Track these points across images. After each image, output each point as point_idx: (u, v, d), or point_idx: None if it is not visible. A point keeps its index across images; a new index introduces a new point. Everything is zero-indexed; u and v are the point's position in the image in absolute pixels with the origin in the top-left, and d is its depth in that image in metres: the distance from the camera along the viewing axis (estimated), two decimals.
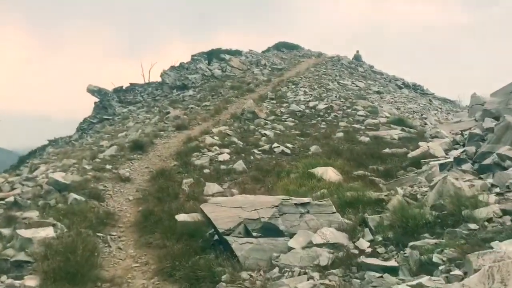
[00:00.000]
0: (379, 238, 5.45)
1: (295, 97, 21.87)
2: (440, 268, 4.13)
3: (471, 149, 9.49)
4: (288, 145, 14.13)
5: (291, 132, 16.39)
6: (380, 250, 5.16)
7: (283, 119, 18.38)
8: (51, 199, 8.86)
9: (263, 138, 15.21)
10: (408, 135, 16.35)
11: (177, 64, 32.37)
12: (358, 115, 19.26)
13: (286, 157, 13.18)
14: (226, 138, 14.81)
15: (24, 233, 6.83)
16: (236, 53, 35.37)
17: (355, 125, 17.53)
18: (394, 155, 12.98)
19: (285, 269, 5.22)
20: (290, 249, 5.61)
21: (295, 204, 6.29)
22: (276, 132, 16.14)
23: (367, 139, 15.54)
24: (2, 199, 8.94)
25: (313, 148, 13.82)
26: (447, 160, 10.13)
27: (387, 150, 13.44)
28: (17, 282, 5.75)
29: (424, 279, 3.76)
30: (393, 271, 4.51)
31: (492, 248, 4.06)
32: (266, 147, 13.85)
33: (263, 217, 6.16)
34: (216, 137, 14.69)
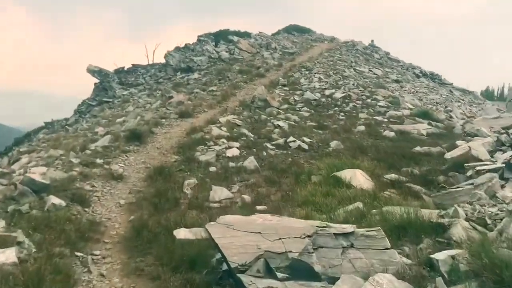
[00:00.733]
0: None
1: (309, 84, 20.14)
2: None
3: None
4: (305, 139, 12.49)
5: (306, 123, 14.72)
6: None
7: (297, 109, 16.70)
8: (24, 203, 7.25)
9: (276, 130, 13.57)
10: (436, 131, 14.71)
11: (182, 45, 30.56)
12: (379, 105, 17.60)
13: (303, 153, 11.54)
14: (235, 129, 13.15)
15: None
16: (245, 35, 33.41)
17: (376, 117, 15.86)
18: (428, 155, 11.34)
19: None
20: None
21: (335, 234, 4.67)
22: (290, 123, 14.48)
23: (392, 134, 13.92)
24: None
25: (333, 144, 12.17)
26: (497, 166, 8.52)
27: (418, 148, 11.76)
28: None
29: None
30: None
31: None
32: (281, 141, 12.20)
33: (291, 251, 4.54)
34: (223, 128, 13.04)
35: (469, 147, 10.27)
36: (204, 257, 5.62)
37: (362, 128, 14.33)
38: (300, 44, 32.92)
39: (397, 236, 5.26)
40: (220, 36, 32.32)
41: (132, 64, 31.30)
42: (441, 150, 11.46)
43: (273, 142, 12.15)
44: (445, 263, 4.26)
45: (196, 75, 24.75)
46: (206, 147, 11.46)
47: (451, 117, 18.97)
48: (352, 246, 4.61)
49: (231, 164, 10.31)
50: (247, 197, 8.17)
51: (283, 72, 23.35)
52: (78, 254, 6.12)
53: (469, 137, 12.31)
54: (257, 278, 4.47)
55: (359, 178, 8.64)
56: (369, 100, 18.13)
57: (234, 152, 11.13)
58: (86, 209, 7.68)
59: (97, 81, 29.72)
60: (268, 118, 14.86)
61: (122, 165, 10.23)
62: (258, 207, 7.60)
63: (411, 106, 18.37)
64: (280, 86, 20.13)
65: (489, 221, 5.57)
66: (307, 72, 22.92)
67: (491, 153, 10.23)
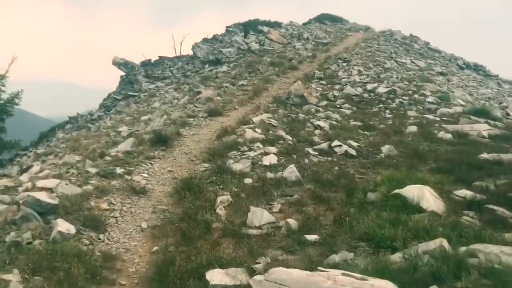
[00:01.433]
0: None
1: (349, 78, 18.45)
2: None
3: None
4: (352, 143, 10.93)
5: (350, 123, 13.13)
6: None
7: (338, 106, 15.10)
8: (26, 230, 6.02)
9: (317, 131, 12.06)
10: (499, 132, 12.87)
11: (209, 36, 29.19)
12: (428, 102, 15.82)
13: (351, 160, 10.00)
14: (270, 131, 11.71)
15: None
16: (275, 25, 31.78)
17: (427, 116, 14.12)
18: (499, 163, 9.60)
19: None
20: None
21: None
22: (332, 123, 12.92)
23: (449, 135, 12.16)
24: None
25: (385, 149, 10.56)
26: None
27: (485, 155, 10.04)
28: None
29: None
30: None
31: None
32: (324, 145, 10.68)
33: None
34: (257, 130, 11.60)
35: None
36: None
37: (413, 128, 12.63)
38: (333, 34, 31.09)
39: None
40: (250, 27, 30.78)
41: (159, 56, 30.14)
42: None
43: (315, 147, 10.64)
44: None
45: (225, 68, 23.37)
46: (239, 153, 10.06)
47: (508, 114, 17.01)
48: None
49: (269, 175, 8.87)
50: (292, 222, 6.72)
51: (318, 64, 21.70)
52: None
53: None
54: None
55: (428, 198, 7.07)
56: (416, 96, 16.36)
57: (271, 159, 9.69)
58: (101, 236, 6.39)
59: (123, 74, 28.72)
60: (307, 117, 13.33)
61: (146, 175, 8.93)
62: (308, 237, 6.18)
63: (463, 103, 16.52)
64: (316, 80, 18.52)
65: None
66: (344, 64, 21.20)
67: None
